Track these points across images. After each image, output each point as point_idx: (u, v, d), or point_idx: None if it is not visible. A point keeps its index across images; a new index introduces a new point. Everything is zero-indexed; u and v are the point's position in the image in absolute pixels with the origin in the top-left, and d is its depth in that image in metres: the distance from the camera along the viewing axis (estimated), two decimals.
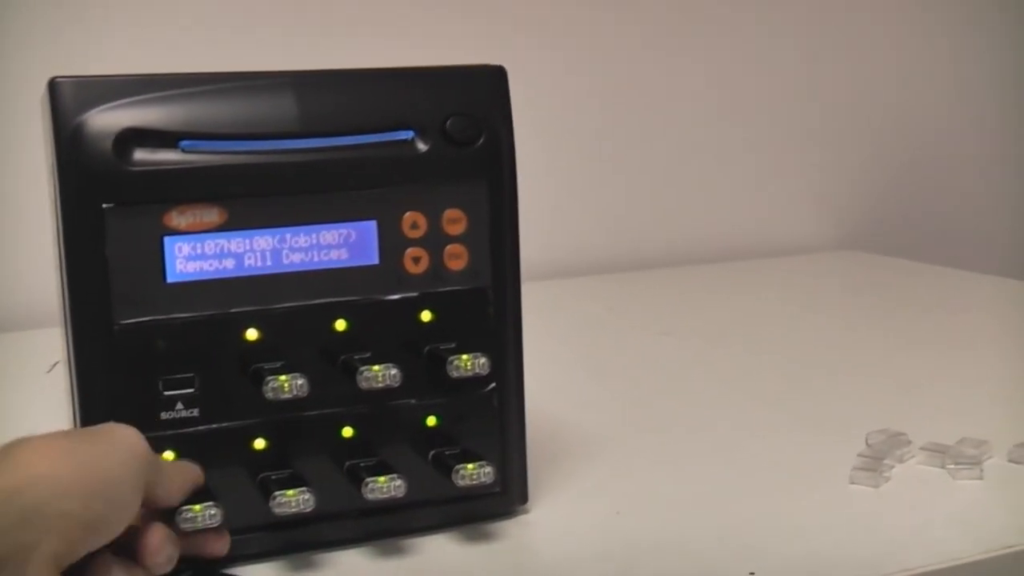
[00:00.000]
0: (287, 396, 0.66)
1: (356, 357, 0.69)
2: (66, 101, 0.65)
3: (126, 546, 0.60)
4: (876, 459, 0.82)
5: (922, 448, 0.84)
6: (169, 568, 0.62)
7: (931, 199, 1.83)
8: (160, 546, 0.61)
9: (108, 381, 0.66)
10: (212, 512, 0.64)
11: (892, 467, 0.82)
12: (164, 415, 0.67)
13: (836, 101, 1.75)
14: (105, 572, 0.58)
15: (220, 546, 0.66)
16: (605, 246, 1.64)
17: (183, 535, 0.64)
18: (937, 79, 1.81)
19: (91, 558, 0.57)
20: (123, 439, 0.59)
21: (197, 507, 0.64)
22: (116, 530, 0.58)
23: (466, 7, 1.52)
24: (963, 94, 1.83)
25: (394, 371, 0.67)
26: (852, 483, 0.80)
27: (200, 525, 0.64)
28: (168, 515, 0.63)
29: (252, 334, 0.68)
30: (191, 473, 0.65)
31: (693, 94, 1.67)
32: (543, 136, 1.52)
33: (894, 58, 1.78)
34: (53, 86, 0.65)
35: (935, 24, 1.80)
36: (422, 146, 0.71)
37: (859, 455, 0.83)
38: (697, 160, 1.69)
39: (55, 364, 0.67)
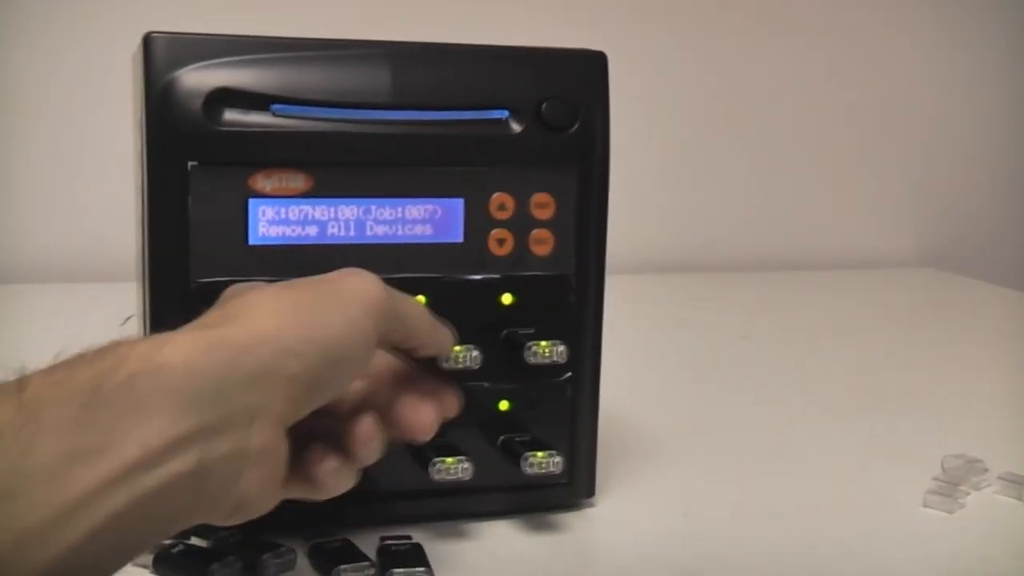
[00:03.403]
0: None
1: None
2: (159, 57, 0.64)
3: (334, 433, 0.58)
4: (952, 484, 0.80)
5: (999, 477, 0.82)
6: (378, 457, 0.59)
7: (1017, 222, 1.80)
8: (370, 436, 0.58)
9: None
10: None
11: (967, 494, 0.80)
12: None
13: (930, 116, 1.73)
14: (319, 460, 0.57)
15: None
16: (691, 244, 1.64)
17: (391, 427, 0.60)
18: None
19: (308, 448, 0.56)
20: (357, 292, 0.56)
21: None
22: (341, 390, 0.56)
23: None
24: None
25: (475, 353, 0.65)
26: (926, 506, 0.78)
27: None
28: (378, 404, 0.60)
29: None
30: (442, 332, 0.63)
31: (796, 100, 1.67)
32: (642, 126, 1.52)
33: (993, 76, 1.75)
34: (147, 41, 0.64)
35: None
36: (516, 127, 0.70)
37: (934, 479, 0.81)
38: (792, 166, 1.69)
39: (129, 318, 0.66)
